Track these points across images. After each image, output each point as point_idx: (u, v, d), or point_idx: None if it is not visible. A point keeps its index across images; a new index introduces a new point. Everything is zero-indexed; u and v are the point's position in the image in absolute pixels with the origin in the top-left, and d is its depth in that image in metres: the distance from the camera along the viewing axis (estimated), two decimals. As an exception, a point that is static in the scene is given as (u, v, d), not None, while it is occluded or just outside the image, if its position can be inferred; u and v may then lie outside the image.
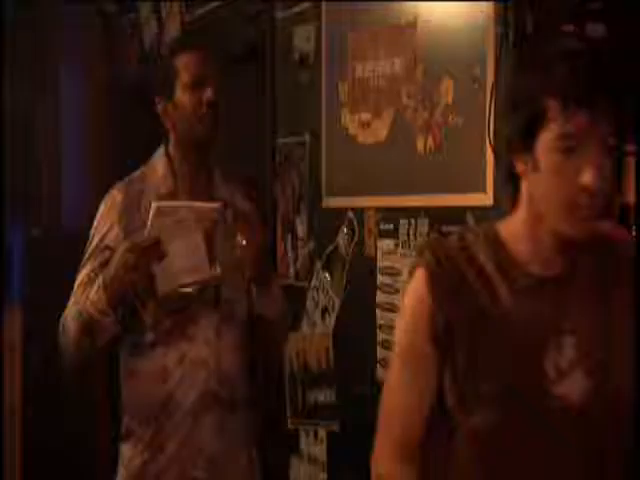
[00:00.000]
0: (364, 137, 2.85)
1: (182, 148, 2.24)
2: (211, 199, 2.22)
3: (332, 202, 3.02)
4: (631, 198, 2.30)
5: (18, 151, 4.67)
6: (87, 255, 2.26)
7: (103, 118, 4.79)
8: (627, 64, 2.07)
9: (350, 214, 2.94)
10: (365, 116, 2.84)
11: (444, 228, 2.53)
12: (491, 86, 2.31)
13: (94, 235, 2.26)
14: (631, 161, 2.30)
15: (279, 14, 3.29)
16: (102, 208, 2.28)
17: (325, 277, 3.05)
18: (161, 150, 2.28)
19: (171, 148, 2.26)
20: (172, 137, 2.25)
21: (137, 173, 2.30)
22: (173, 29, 4.18)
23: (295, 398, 3.16)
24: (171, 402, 2.18)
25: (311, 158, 3.11)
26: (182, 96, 2.17)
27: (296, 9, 3.19)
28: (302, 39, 3.15)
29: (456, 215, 2.47)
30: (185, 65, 2.18)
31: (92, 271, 2.20)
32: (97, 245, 2.24)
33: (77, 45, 4.86)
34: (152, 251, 2.04)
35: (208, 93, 2.15)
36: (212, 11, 3.81)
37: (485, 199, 2.37)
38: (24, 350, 4.37)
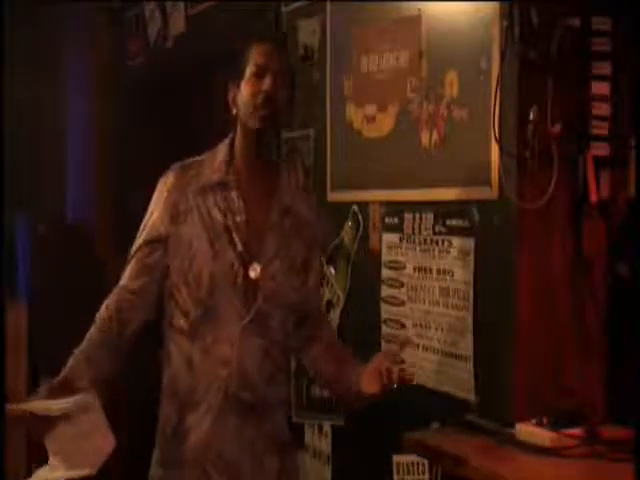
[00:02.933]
0: (369, 131, 2.86)
1: (242, 139, 2.21)
2: (272, 201, 2.20)
3: (337, 196, 3.03)
4: (632, 189, 2.30)
5: (23, 148, 4.69)
6: (135, 248, 2.23)
7: (108, 115, 4.79)
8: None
9: (355, 208, 2.94)
10: (370, 110, 2.84)
11: (449, 222, 2.53)
12: (496, 79, 2.30)
13: (144, 223, 2.24)
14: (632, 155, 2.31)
15: (284, 8, 3.29)
16: (156, 190, 2.25)
17: (330, 271, 3.05)
18: (229, 137, 2.25)
19: (236, 138, 2.23)
20: (238, 127, 2.22)
21: (199, 157, 2.28)
22: (178, 24, 4.18)
23: (300, 392, 3.17)
24: (194, 394, 2.16)
25: (316, 152, 3.11)
26: (245, 84, 2.15)
27: (301, 3, 3.19)
28: (307, 33, 3.15)
29: (461, 209, 2.47)
30: (254, 54, 2.16)
31: (123, 288, 2.21)
32: (144, 240, 2.21)
33: (82, 40, 4.87)
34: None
35: (266, 84, 2.12)
36: (217, 5, 3.81)
37: (490, 193, 2.36)
38: (29, 343, 4.38)
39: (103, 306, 2.19)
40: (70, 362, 2.08)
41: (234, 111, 2.20)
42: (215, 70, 4.37)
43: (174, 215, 2.18)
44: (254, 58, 2.16)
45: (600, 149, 2.31)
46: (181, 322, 2.17)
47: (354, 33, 2.92)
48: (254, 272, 2.15)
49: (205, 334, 2.15)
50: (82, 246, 4.74)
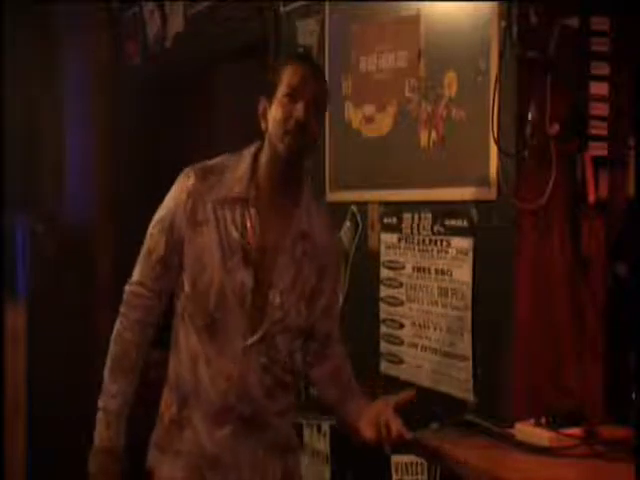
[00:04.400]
0: (368, 131, 2.85)
1: (268, 157, 2.13)
2: (290, 222, 2.15)
3: (335, 196, 3.03)
4: (631, 189, 2.31)
5: (22, 148, 4.69)
6: (143, 254, 2.19)
7: (107, 115, 4.79)
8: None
9: (353, 208, 2.94)
10: (369, 110, 2.84)
11: (448, 222, 2.53)
12: (495, 79, 2.30)
13: (158, 219, 2.18)
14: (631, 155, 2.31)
15: (283, 8, 3.29)
16: (175, 188, 2.18)
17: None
18: (254, 146, 2.18)
19: (262, 152, 2.16)
20: (266, 143, 2.15)
21: (221, 160, 2.20)
22: (176, 24, 4.18)
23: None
24: (194, 396, 2.15)
25: (314, 152, 3.10)
26: (276, 104, 2.08)
27: (300, 3, 3.19)
28: (306, 33, 3.15)
29: (460, 209, 2.47)
30: (288, 74, 2.08)
31: (141, 285, 2.17)
32: (164, 240, 2.16)
33: (81, 40, 4.87)
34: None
35: (298, 110, 2.04)
36: (216, 5, 3.81)
37: (489, 193, 2.37)
38: (27, 343, 4.38)
39: (126, 309, 2.18)
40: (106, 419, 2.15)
41: (263, 125, 2.14)
42: (214, 70, 4.38)
43: (191, 222, 2.13)
44: (288, 78, 2.07)
45: (598, 149, 2.31)
46: (188, 321, 2.16)
47: (353, 33, 2.92)
48: (271, 297, 2.12)
49: (210, 344, 2.13)
50: (81, 246, 4.74)
